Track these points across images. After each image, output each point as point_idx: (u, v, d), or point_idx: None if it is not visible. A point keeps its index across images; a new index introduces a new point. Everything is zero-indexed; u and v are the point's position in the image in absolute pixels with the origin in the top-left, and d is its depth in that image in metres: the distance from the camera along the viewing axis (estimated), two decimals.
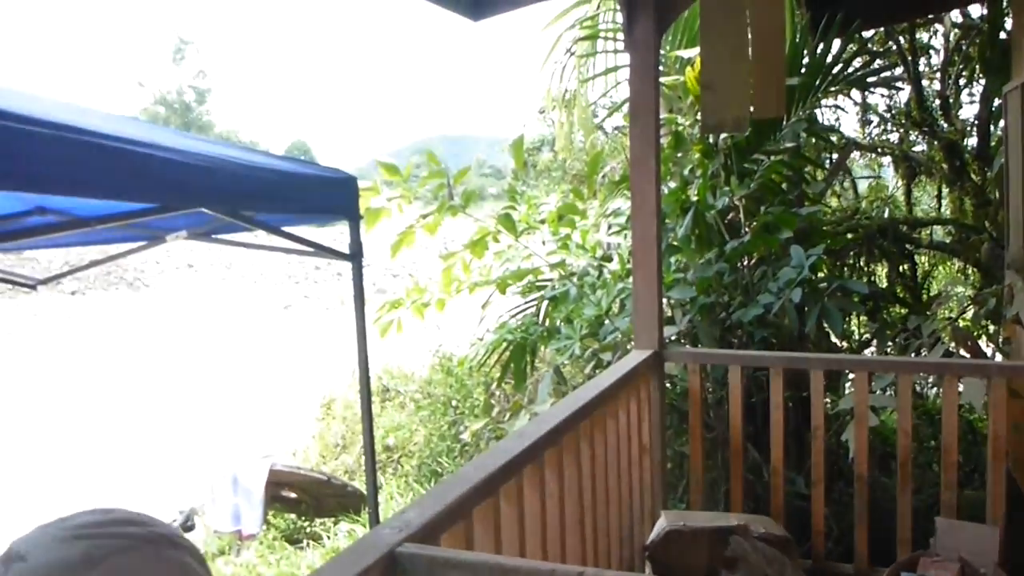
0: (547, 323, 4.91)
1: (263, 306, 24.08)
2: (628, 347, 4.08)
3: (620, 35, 5.21)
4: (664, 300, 3.93)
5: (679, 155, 4.68)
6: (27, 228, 3.36)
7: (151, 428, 10.85)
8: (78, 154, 1.97)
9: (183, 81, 57.36)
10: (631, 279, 3.69)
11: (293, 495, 6.96)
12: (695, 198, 4.40)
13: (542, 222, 5.63)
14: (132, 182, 2.18)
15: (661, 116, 4.00)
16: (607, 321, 4.47)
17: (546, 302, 4.94)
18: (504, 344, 4.93)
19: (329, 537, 6.45)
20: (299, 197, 2.93)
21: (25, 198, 3.35)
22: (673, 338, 4.20)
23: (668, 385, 3.97)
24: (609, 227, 5.23)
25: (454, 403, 7.96)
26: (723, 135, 4.49)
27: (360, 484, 7.28)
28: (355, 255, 3.22)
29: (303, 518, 6.99)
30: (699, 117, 4.58)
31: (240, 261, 27.73)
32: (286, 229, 3.18)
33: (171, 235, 3.66)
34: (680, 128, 4.67)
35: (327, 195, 3.08)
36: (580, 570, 1.46)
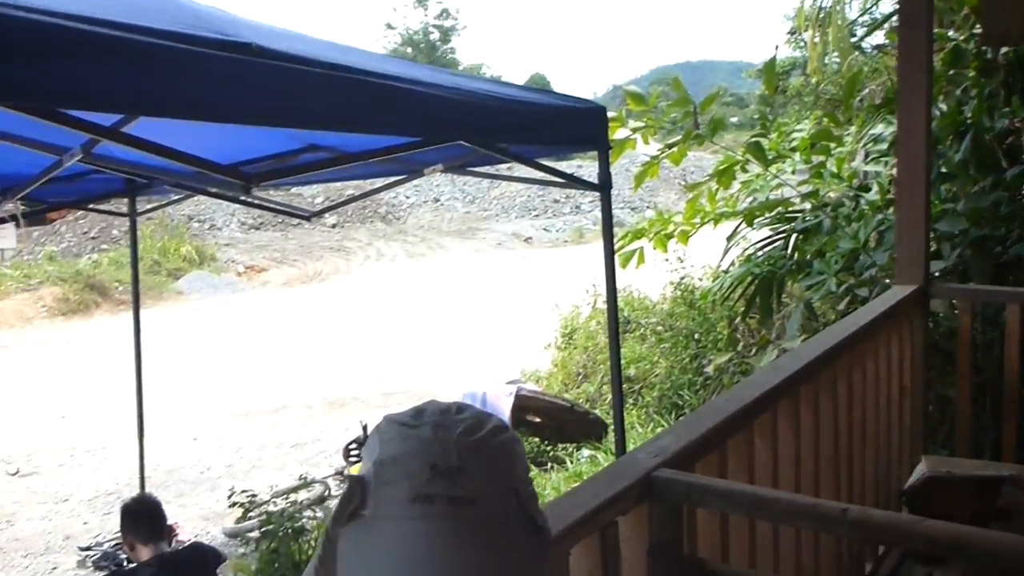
0: (796, 257, 4.71)
1: (505, 238, 24.87)
2: (886, 283, 3.85)
3: None
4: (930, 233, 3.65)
5: (951, 73, 4.28)
6: (303, 164, 3.66)
7: (407, 350, 11.61)
8: (348, 92, 2.07)
9: (428, 21, 59.48)
10: (891, 210, 3.45)
11: (537, 419, 7.23)
12: (970, 120, 4.02)
13: (793, 150, 5.38)
14: (397, 118, 2.28)
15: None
16: (863, 255, 4.23)
17: (796, 235, 4.74)
18: (750, 278, 4.80)
19: (572, 462, 6.66)
20: (551, 128, 2.97)
21: (299, 135, 3.65)
22: (938, 274, 3.90)
23: (931, 324, 3.71)
24: (867, 155, 4.90)
25: (696, 336, 7.88)
26: (1004, 48, 4.05)
27: (601, 412, 7.44)
28: (604, 186, 3.22)
29: (546, 442, 7.26)
30: (976, 30, 4.17)
31: (482, 195, 28.70)
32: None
33: (428, 168, 3.82)
34: (953, 43, 4.26)
35: (578, 126, 3.09)
36: (844, 507, 1.43)
